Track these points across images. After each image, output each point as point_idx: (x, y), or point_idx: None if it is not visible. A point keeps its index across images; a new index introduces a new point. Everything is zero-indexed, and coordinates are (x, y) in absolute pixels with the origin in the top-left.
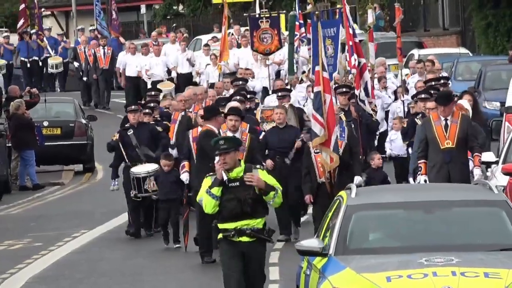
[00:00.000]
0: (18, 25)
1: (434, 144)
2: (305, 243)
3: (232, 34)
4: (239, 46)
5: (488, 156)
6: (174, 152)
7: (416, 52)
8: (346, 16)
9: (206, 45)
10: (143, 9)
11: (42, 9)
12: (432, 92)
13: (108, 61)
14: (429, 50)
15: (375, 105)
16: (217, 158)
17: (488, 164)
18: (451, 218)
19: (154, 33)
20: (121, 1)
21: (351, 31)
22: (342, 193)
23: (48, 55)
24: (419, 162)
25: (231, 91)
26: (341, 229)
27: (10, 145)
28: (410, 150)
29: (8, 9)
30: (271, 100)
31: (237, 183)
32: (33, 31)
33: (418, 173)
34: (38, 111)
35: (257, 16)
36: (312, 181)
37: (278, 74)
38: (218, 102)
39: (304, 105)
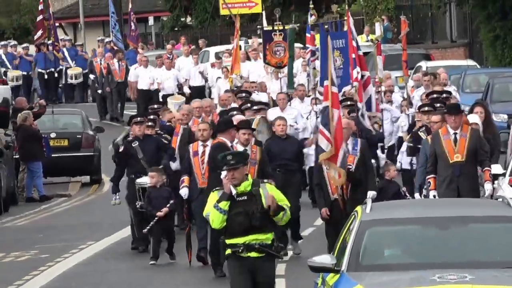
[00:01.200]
0: (36, 37)
1: (443, 158)
2: (317, 259)
3: (240, 48)
4: (249, 58)
5: (495, 168)
6: (175, 165)
7: (423, 64)
8: (350, 29)
9: (219, 58)
10: (151, 21)
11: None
12: (436, 105)
13: (123, 74)
14: (437, 62)
15: (379, 119)
16: (224, 173)
17: (495, 176)
18: (467, 235)
19: (169, 46)
20: (128, 12)
21: (354, 43)
22: (358, 208)
23: (68, 65)
24: (428, 177)
25: (233, 105)
26: (354, 245)
27: (17, 156)
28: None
29: (17, 20)
30: (273, 114)
31: (245, 197)
32: (49, 42)
33: (426, 188)
34: (46, 123)
35: (270, 29)
36: (325, 198)
37: None
38: (221, 114)
39: (307, 118)
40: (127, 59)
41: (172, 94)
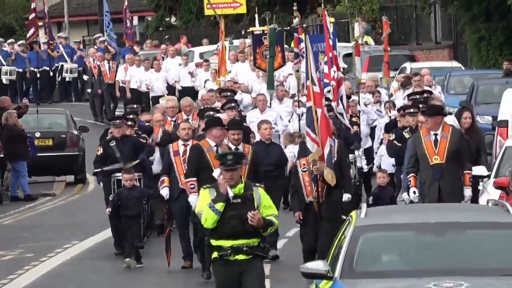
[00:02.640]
0: (28, 35)
1: (423, 160)
2: (309, 265)
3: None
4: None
5: (480, 170)
6: (156, 167)
7: (408, 66)
8: (327, 28)
9: (206, 60)
10: (135, 21)
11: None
12: (420, 106)
13: (113, 75)
14: (421, 63)
15: (357, 117)
16: (217, 171)
17: (480, 178)
18: (464, 241)
19: (163, 46)
20: (113, 12)
21: (331, 42)
22: (353, 213)
23: (64, 63)
24: (408, 176)
25: (217, 104)
26: (348, 251)
27: (2, 156)
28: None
29: (1, 19)
30: (253, 115)
31: (239, 200)
32: (44, 40)
33: (408, 185)
34: (30, 122)
35: (260, 32)
36: (300, 201)
37: None
38: (200, 113)
39: (289, 121)
40: (122, 57)
41: (162, 96)
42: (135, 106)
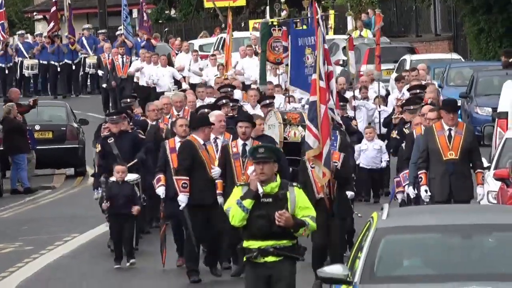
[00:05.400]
0: (48, 28)
1: (436, 155)
2: (328, 270)
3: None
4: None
5: None
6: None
7: (408, 58)
8: (317, 22)
9: (213, 55)
10: (135, 13)
11: (35, 13)
12: (419, 101)
13: (126, 70)
14: (421, 55)
15: (353, 117)
16: (251, 169)
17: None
18: (491, 244)
19: (177, 42)
20: (113, 5)
21: (321, 36)
22: (374, 214)
23: (86, 55)
24: (419, 172)
25: (207, 100)
26: (368, 254)
27: (1, 149)
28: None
29: None
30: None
31: (270, 199)
32: (65, 34)
33: (417, 183)
34: (30, 115)
35: (269, 23)
36: (310, 198)
37: None
38: (199, 109)
39: None
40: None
41: (168, 91)
42: (128, 100)
